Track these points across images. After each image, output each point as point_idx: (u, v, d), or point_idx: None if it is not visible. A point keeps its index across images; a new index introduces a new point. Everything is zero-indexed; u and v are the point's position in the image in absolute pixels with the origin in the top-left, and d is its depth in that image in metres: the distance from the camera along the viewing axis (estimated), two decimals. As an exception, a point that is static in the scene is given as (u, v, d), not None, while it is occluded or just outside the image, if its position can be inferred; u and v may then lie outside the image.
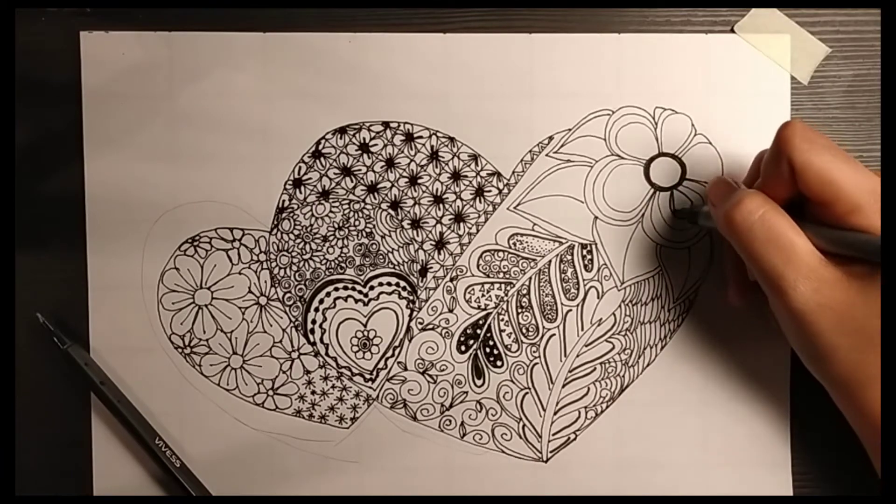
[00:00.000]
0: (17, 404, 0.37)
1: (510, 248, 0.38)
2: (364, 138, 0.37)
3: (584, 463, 0.38)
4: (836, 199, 0.29)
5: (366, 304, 0.38)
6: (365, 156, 0.37)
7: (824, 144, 0.30)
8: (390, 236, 0.38)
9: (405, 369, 0.38)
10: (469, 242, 0.38)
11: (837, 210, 0.29)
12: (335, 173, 0.37)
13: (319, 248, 0.37)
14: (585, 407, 0.38)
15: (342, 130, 0.37)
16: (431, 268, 0.38)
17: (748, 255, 0.31)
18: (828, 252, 0.30)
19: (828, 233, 0.30)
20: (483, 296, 0.38)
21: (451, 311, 0.38)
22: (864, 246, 0.29)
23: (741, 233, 0.31)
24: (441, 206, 0.38)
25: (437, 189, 0.38)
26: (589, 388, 0.38)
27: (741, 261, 0.35)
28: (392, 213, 0.37)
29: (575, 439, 0.38)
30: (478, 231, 0.38)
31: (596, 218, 0.38)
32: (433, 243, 0.38)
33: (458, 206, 0.38)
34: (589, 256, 0.38)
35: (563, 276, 0.38)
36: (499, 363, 0.38)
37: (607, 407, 0.38)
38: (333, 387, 0.38)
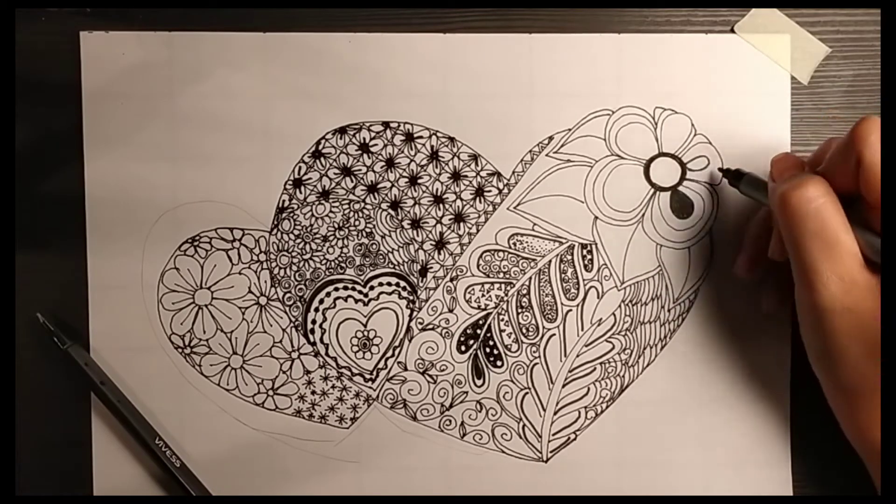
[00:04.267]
0: (17, 404, 0.37)
1: (510, 248, 0.38)
2: (364, 138, 0.37)
3: (584, 463, 0.38)
4: None
5: (366, 304, 0.38)
6: (365, 156, 0.37)
7: None
8: (390, 236, 0.38)
9: (405, 369, 0.38)
10: (469, 242, 0.38)
11: None
12: (335, 173, 0.37)
13: (319, 248, 0.37)
14: (585, 407, 0.38)
15: (342, 130, 0.37)
16: (431, 268, 0.38)
17: (793, 240, 0.30)
18: (867, 258, 0.30)
19: (871, 239, 0.30)
20: (483, 296, 0.38)
21: (451, 311, 0.38)
22: None
23: (793, 217, 0.30)
24: (441, 206, 0.38)
25: (437, 189, 0.38)
26: (589, 388, 0.38)
27: (763, 237, 0.34)
28: (392, 213, 0.37)
29: (575, 439, 0.38)
30: (478, 231, 0.38)
31: (596, 218, 0.38)
32: (433, 243, 0.38)
33: (458, 206, 0.38)
34: (589, 256, 0.38)
35: (563, 276, 0.38)
36: (499, 363, 0.38)
37: (607, 407, 0.38)
38: (333, 387, 0.38)
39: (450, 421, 0.38)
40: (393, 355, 0.38)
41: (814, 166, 0.33)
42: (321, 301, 0.37)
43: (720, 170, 0.37)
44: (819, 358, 0.31)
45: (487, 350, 0.38)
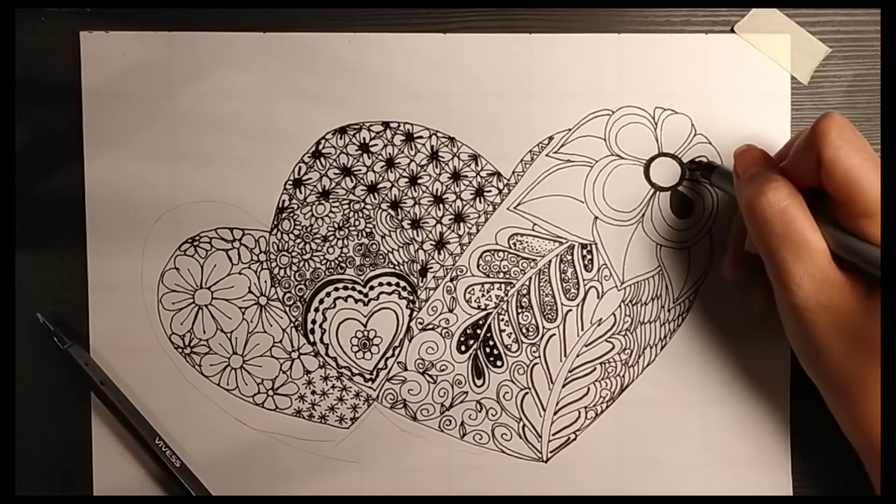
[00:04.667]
0: (17, 404, 0.37)
1: (510, 248, 0.38)
2: (364, 138, 0.37)
3: (584, 463, 0.38)
4: (853, 200, 0.29)
5: (366, 304, 0.38)
6: (365, 156, 0.37)
7: (858, 146, 0.29)
8: (390, 236, 0.38)
9: (405, 369, 0.38)
10: (469, 242, 0.38)
11: (853, 211, 0.29)
12: (335, 173, 0.37)
13: (319, 248, 0.37)
14: (585, 407, 0.38)
15: (342, 130, 0.37)
16: (431, 268, 0.38)
17: (762, 244, 0.31)
18: (835, 254, 0.30)
19: (837, 234, 0.30)
20: (483, 296, 0.38)
21: (451, 311, 0.38)
22: (865, 255, 0.29)
23: (759, 222, 0.31)
24: (441, 206, 0.38)
25: (437, 189, 0.38)
26: (589, 388, 0.38)
27: (744, 235, 0.35)
28: (392, 213, 0.37)
29: (575, 439, 0.38)
30: (478, 231, 0.38)
31: (596, 218, 0.38)
32: (433, 243, 0.38)
33: (458, 206, 0.38)
34: (589, 256, 0.38)
35: (563, 276, 0.38)
36: (499, 363, 0.38)
37: (607, 407, 0.38)
38: (333, 387, 0.38)
39: (450, 421, 0.38)
40: (393, 355, 0.38)
41: (780, 160, 0.33)
42: (321, 301, 0.37)
43: (691, 162, 0.37)
44: (806, 358, 0.32)
45: (487, 350, 0.38)
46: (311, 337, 0.38)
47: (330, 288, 0.37)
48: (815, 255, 0.30)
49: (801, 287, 0.30)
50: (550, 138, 0.37)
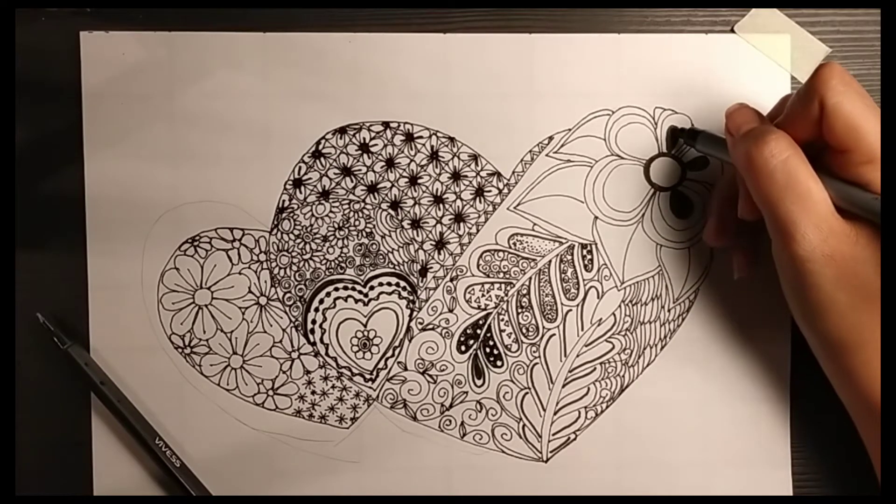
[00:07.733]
0: (17, 404, 0.37)
1: (510, 248, 0.38)
2: (364, 138, 0.37)
3: (584, 463, 0.38)
4: (855, 147, 0.29)
5: (366, 304, 0.38)
6: (365, 156, 0.37)
7: (859, 91, 0.29)
8: (390, 236, 0.38)
9: (405, 369, 0.38)
10: (469, 242, 0.38)
11: (854, 159, 0.29)
12: (335, 173, 0.37)
13: (319, 248, 0.37)
14: (585, 407, 0.38)
15: (342, 130, 0.37)
16: (431, 268, 0.38)
17: (763, 196, 0.30)
18: (838, 207, 0.30)
19: (837, 186, 0.30)
20: (483, 296, 0.38)
21: (451, 311, 0.38)
22: (865, 205, 0.29)
23: (761, 173, 0.30)
24: (441, 206, 0.38)
25: (437, 189, 0.38)
26: (589, 388, 0.38)
27: (731, 200, 0.34)
28: (392, 213, 0.37)
29: (575, 439, 0.38)
30: (478, 231, 0.38)
31: (596, 218, 0.38)
32: (433, 243, 0.38)
33: (458, 206, 0.38)
34: (589, 256, 0.38)
35: (563, 276, 0.38)
36: (499, 363, 0.38)
37: (607, 407, 0.38)
38: (333, 387, 0.38)
39: (450, 421, 0.38)
40: (393, 355, 0.38)
41: (772, 119, 0.33)
42: (321, 301, 0.37)
43: (673, 129, 0.37)
44: (806, 314, 0.31)
45: (487, 350, 0.38)
46: (311, 337, 0.38)
47: (330, 288, 0.37)
48: (819, 205, 0.29)
49: (806, 237, 0.29)
50: (550, 138, 0.37)
